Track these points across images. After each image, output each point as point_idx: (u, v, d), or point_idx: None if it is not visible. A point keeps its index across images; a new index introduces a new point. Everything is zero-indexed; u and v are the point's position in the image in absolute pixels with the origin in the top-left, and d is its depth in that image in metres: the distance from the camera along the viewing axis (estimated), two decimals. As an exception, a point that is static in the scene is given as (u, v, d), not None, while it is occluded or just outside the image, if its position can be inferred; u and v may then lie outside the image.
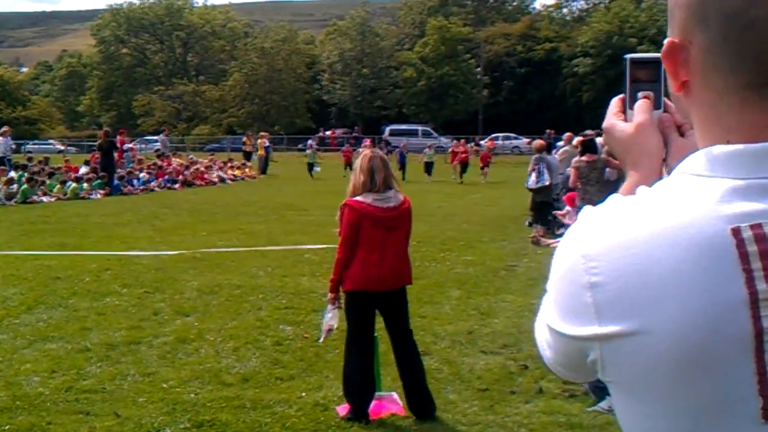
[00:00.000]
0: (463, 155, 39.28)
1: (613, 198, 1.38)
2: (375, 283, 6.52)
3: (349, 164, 39.17)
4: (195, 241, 16.82)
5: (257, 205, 25.32)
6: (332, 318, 6.84)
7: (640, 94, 1.57)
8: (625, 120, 1.58)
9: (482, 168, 38.47)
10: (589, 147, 14.37)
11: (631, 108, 1.57)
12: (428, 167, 39.51)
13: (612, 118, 1.61)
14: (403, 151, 42.86)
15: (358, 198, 6.44)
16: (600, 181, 13.83)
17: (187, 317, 9.92)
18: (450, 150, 44.89)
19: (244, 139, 50.90)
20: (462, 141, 45.03)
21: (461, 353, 8.49)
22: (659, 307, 1.20)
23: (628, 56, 1.62)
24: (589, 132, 19.12)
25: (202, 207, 24.29)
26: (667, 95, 1.58)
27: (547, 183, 17.52)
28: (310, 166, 41.75)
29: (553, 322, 1.36)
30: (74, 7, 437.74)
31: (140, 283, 11.99)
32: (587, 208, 1.39)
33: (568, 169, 17.45)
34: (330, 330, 6.91)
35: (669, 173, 1.41)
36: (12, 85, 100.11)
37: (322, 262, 14.06)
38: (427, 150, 41.89)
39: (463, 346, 8.73)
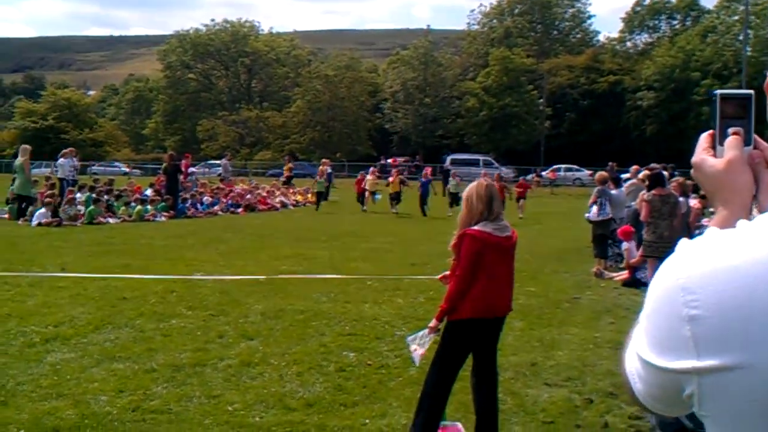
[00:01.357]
0: (520, 190, 35.99)
1: (711, 231, 1.38)
2: (493, 311, 6.55)
3: (361, 195, 38.91)
4: (258, 265, 16.92)
5: (319, 231, 25.42)
6: (428, 344, 6.78)
7: (730, 130, 1.56)
8: (715, 156, 1.58)
9: (518, 200, 34.82)
10: (657, 180, 14.24)
11: (721, 144, 1.56)
12: (454, 198, 35.26)
13: (702, 153, 1.60)
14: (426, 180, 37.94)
15: (478, 227, 6.40)
16: (672, 215, 13.70)
17: (251, 341, 9.97)
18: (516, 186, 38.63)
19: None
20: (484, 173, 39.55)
21: (525, 385, 8.45)
22: (761, 342, 1.19)
23: (718, 92, 1.61)
24: (655, 165, 18.96)
25: (264, 231, 24.43)
26: (757, 131, 1.57)
27: (609, 216, 17.38)
28: (360, 195, 40.76)
29: (646, 355, 1.35)
30: (142, 32, 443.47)
31: (205, 305, 12.09)
32: (684, 241, 1.39)
33: (634, 202, 17.31)
34: (422, 357, 6.85)
35: (761, 210, 1.40)
36: (79, 107, 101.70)
37: (385, 289, 14.09)
38: (452, 180, 39.39)
39: (527, 378, 8.68)
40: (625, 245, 16.37)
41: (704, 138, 1.63)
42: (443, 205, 34.85)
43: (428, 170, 39.51)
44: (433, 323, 6.66)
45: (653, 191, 13.92)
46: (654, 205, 13.73)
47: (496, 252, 6.44)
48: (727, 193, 1.52)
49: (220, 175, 43.19)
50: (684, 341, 1.27)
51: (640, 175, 18.23)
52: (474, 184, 6.65)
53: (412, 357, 6.85)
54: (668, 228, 13.66)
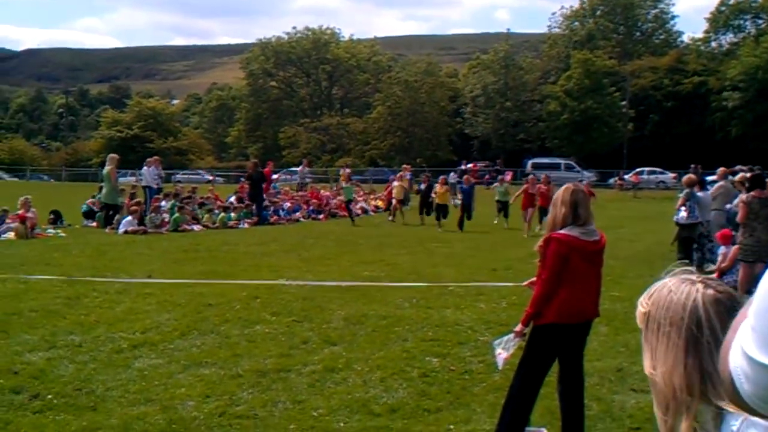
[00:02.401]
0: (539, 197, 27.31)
1: None
2: (579, 316, 6.51)
3: (387, 206, 36.61)
4: (340, 271, 17.01)
5: (400, 236, 25.45)
6: (513, 348, 6.75)
7: None
8: None
9: (524, 210, 27.99)
10: (757, 182, 13.88)
11: None
12: (503, 207, 31.12)
13: None
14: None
15: (564, 231, 6.38)
16: (769, 218, 13.34)
17: (334, 346, 10.02)
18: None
19: (341, 172, 47.62)
20: (531, 178, 31.16)
21: (611, 390, 8.35)
22: None
23: None
24: (741, 167, 18.58)
25: (346, 238, 24.54)
26: None
27: (698, 220, 17.11)
28: (388, 204, 39.53)
29: (757, 354, 1.31)
30: (225, 41, 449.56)
31: (289, 311, 12.18)
32: None
33: (728, 205, 16.98)
34: (506, 361, 6.81)
35: None
36: (164, 116, 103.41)
37: (466, 295, 14.04)
38: (497, 185, 33.98)
39: (613, 384, 8.58)
40: (722, 249, 16.00)
41: None
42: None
43: (470, 175, 37.32)
44: (518, 327, 6.62)
45: (752, 193, 13.55)
46: (752, 207, 13.38)
47: (583, 256, 6.39)
48: None
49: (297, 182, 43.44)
50: None
51: (737, 177, 17.78)
52: (561, 188, 6.61)
53: (496, 361, 6.81)
54: (764, 231, 13.31)
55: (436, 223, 29.24)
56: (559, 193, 6.54)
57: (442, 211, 30.09)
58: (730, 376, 1.43)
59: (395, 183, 35.18)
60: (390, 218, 33.73)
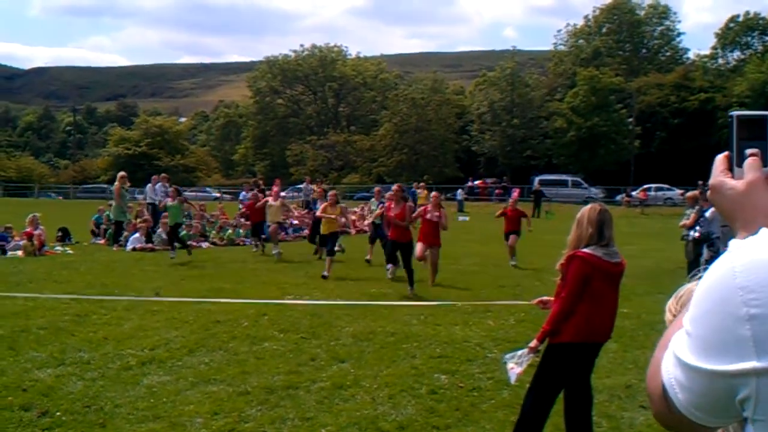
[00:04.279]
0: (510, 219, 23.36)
1: (764, 231, 1.37)
2: (596, 336, 6.54)
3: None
4: (348, 288, 17.02)
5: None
6: (525, 364, 6.73)
7: (747, 152, 1.55)
8: (732, 178, 1.56)
9: (506, 236, 23.30)
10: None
11: (738, 165, 1.56)
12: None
13: (719, 175, 1.58)
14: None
15: (588, 250, 6.40)
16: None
17: (342, 363, 10.03)
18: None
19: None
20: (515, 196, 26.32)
21: (620, 407, 8.34)
22: None
23: (735, 113, 1.61)
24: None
25: (354, 255, 24.52)
26: None
27: (716, 234, 17.10)
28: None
29: (694, 360, 1.33)
30: (233, 59, 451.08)
31: (297, 328, 12.19)
32: (734, 242, 1.38)
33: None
34: (519, 376, 6.80)
35: None
36: (171, 134, 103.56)
37: (474, 311, 14.05)
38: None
39: (622, 401, 8.58)
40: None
41: (720, 160, 1.61)
42: (536, 226, 33.71)
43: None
44: (533, 343, 6.63)
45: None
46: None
47: (604, 277, 6.41)
48: (748, 214, 1.50)
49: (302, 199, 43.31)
50: (743, 342, 1.26)
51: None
52: (588, 207, 6.64)
53: (509, 375, 6.80)
54: None
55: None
56: (585, 212, 6.57)
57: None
58: (660, 392, 1.44)
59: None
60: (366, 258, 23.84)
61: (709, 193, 1.61)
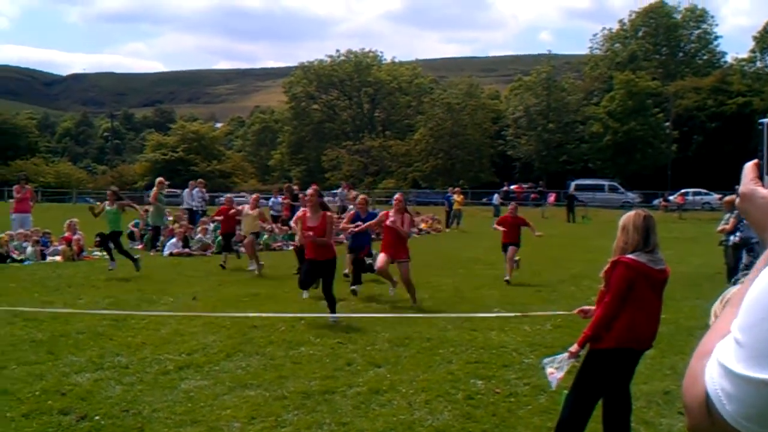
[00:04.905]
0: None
1: None
2: (638, 343, 6.50)
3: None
4: (384, 292, 17.00)
5: (444, 258, 25.41)
6: (565, 369, 6.70)
7: None
8: (763, 186, 1.54)
9: (504, 247, 20.23)
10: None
11: None
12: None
13: (750, 184, 1.56)
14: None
15: (632, 256, 6.36)
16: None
17: (379, 368, 10.03)
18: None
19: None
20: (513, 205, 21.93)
21: (658, 414, 8.29)
22: None
23: (765, 121, 1.59)
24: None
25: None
26: None
27: (756, 240, 16.95)
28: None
29: (745, 369, 1.31)
30: (270, 65, 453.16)
31: (333, 333, 12.21)
32: None
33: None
34: (559, 381, 6.76)
35: None
36: (208, 139, 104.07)
37: (511, 317, 13.99)
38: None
39: (660, 407, 8.53)
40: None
41: (750, 168, 1.59)
42: (572, 232, 33.76)
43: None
44: (574, 348, 6.61)
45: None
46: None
47: (648, 284, 6.37)
48: None
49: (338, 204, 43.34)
50: None
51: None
52: (632, 213, 6.60)
53: (549, 380, 6.78)
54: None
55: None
56: (630, 218, 6.53)
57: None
58: (700, 402, 1.42)
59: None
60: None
61: (738, 201, 1.59)
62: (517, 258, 19.94)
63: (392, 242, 15.68)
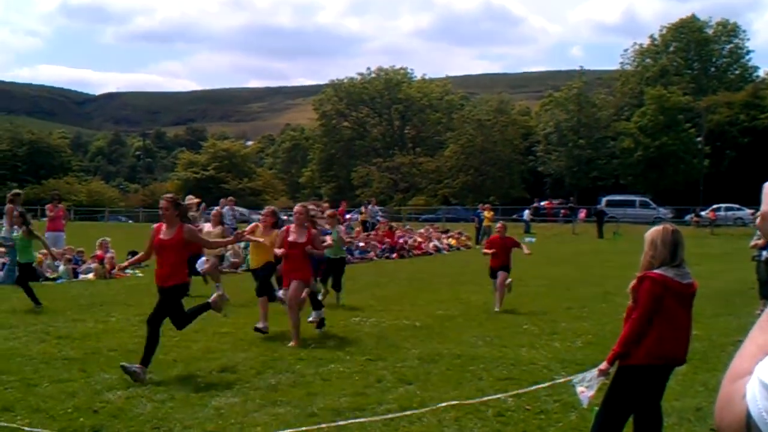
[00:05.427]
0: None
1: None
2: (669, 358, 6.48)
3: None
4: (414, 309, 17.00)
5: (474, 274, 25.35)
6: (596, 386, 6.68)
7: None
8: None
9: (493, 273, 17.87)
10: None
11: None
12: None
13: None
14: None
15: (659, 271, 6.35)
16: None
17: (409, 385, 10.02)
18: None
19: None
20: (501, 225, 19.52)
21: (690, 431, 8.23)
22: None
23: None
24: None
25: (419, 276, 24.54)
26: None
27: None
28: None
29: None
30: (300, 83, 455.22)
31: (363, 350, 12.23)
32: None
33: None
34: (591, 399, 6.73)
35: None
36: (238, 157, 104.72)
37: (541, 333, 13.96)
38: None
39: (692, 424, 8.46)
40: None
41: None
42: (602, 248, 33.60)
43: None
44: (603, 365, 6.58)
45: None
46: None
47: (677, 298, 6.35)
48: None
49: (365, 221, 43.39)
50: None
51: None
52: (660, 228, 6.57)
53: (580, 398, 6.76)
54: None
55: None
56: (658, 232, 6.51)
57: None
58: (740, 422, 1.41)
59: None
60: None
61: (759, 221, 1.59)
62: (508, 281, 17.72)
63: (293, 263, 13.44)
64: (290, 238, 13.08)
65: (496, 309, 17.01)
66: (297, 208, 13.64)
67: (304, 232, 13.21)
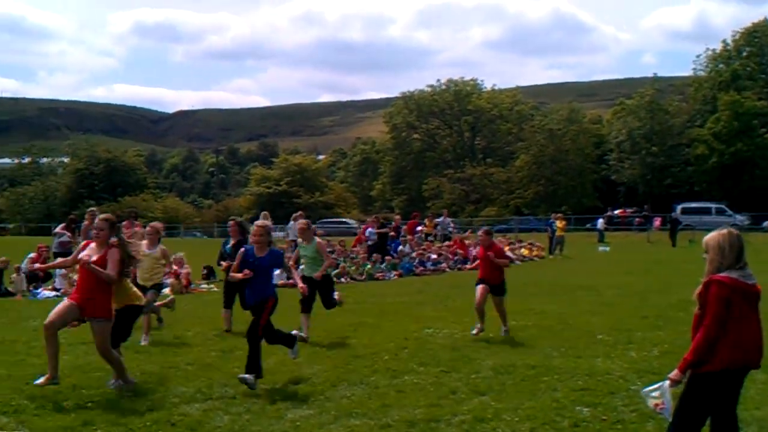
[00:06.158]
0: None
1: None
2: (744, 362, 6.37)
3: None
4: (487, 321, 16.91)
5: (547, 285, 25.21)
6: (669, 396, 6.59)
7: None
8: None
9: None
10: None
11: None
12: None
13: None
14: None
15: (724, 274, 6.29)
16: None
17: (483, 396, 9.99)
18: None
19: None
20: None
21: (770, 440, 8.10)
22: None
23: None
24: None
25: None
26: None
27: None
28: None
29: None
30: (370, 97, 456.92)
31: (436, 361, 12.22)
32: None
33: None
34: (671, 410, 6.62)
35: None
36: (310, 172, 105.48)
37: (616, 343, 13.83)
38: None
39: (772, 433, 8.33)
40: None
41: None
42: (677, 256, 33.07)
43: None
44: (675, 374, 6.47)
45: None
46: None
47: (745, 299, 6.28)
48: None
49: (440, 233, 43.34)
50: None
51: None
52: (725, 232, 6.49)
53: (658, 411, 6.66)
54: None
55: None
56: (725, 237, 6.44)
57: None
58: None
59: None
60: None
61: None
62: (506, 326, 15.41)
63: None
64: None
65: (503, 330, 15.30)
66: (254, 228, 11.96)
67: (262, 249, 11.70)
